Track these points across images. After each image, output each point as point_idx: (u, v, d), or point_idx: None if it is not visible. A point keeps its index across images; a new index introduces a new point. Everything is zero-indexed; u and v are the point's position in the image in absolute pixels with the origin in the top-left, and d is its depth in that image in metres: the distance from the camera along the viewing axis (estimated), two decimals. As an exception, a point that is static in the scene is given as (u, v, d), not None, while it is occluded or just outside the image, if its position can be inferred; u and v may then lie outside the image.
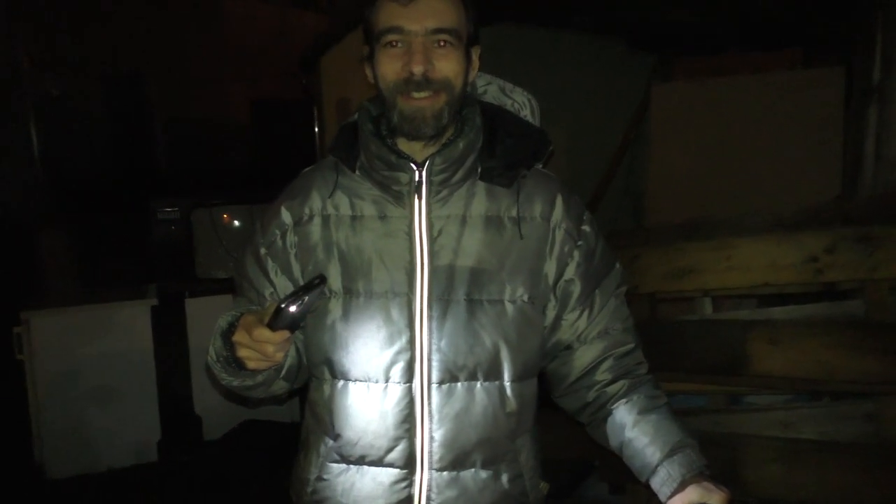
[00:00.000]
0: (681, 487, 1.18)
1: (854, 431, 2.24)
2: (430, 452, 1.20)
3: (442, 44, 1.15)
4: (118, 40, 6.93)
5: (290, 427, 3.63)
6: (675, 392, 2.39)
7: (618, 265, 1.34)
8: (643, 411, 1.26)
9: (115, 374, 3.58)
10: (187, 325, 3.70)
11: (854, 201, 2.64)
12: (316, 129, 6.64)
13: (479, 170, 1.24)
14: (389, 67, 1.16)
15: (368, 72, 1.22)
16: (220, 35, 7.95)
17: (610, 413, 1.28)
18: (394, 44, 1.16)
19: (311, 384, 1.31)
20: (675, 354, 2.31)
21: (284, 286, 1.27)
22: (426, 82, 1.14)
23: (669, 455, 1.21)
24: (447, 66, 1.16)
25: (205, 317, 3.53)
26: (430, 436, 1.20)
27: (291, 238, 1.26)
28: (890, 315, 2.18)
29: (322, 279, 1.07)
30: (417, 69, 1.14)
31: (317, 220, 1.25)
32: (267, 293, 1.27)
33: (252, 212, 3.85)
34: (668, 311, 2.69)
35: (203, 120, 7.51)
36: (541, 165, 1.31)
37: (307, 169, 1.34)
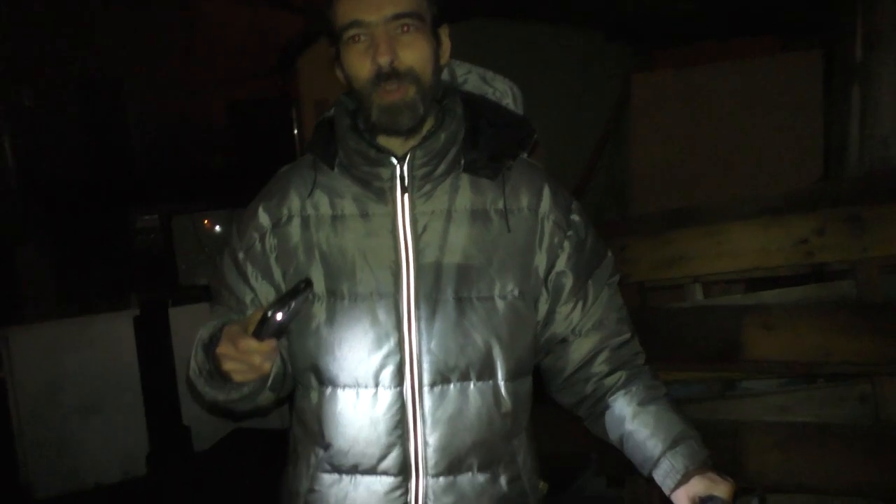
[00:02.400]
0: (685, 479, 1.15)
1: (850, 413, 2.23)
2: (425, 458, 1.16)
3: (405, 29, 1.11)
4: (92, 46, 6.83)
5: (282, 434, 3.55)
6: (670, 381, 2.36)
7: (609, 254, 1.31)
8: (643, 402, 1.23)
9: (99, 388, 3.51)
10: (171, 334, 3.64)
11: (841, 182, 2.63)
12: (295, 131, 6.58)
13: (463, 162, 1.20)
14: (357, 64, 1.12)
15: (339, 73, 1.18)
16: (195, 38, 7.87)
17: (609, 406, 1.25)
18: (356, 38, 1.12)
19: (297, 392, 1.26)
20: (668, 343, 2.29)
21: (266, 291, 1.22)
22: (395, 73, 1.11)
23: (672, 447, 1.18)
24: (413, 52, 1.12)
25: (189, 325, 3.45)
26: (424, 441, 1.16)
27: (270, 241, 1.21)
28: (881, 295, 2.17)
29: (308, 283, 1.02)
30: (383, 59, 1.10)
31: (296, 221, 1.20)
32: (248, 300, 1.23)
33: (233, 216, 3.79)
34: (658, 299, 2.67)
35: (180, 124, 7.42)
36: (525, 155, 1.27)
37: (284, 168, 1.29)
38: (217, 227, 3.88)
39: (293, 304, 1.00)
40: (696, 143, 4.69)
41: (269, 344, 1.02)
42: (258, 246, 1.22)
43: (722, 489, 1.12)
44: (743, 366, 2.26)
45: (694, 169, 4.64)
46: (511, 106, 1.28)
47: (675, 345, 2.29)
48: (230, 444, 3.60)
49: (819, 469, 2.10)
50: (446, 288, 1.16)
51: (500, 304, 1.18)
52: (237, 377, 1.07)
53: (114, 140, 7.08)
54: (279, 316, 0.99)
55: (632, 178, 5.02)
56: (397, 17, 1.11)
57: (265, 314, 0.99)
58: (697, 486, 1.13)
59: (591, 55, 5.08)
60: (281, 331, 1.02)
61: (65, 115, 6.82)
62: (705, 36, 4.95)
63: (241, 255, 1.23)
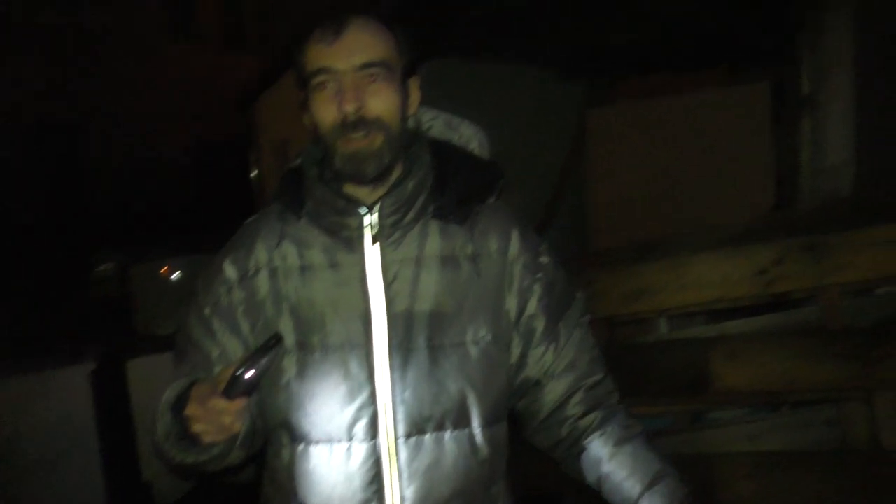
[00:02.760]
0: None
1: (817, 438, 2.27)
2: None
3: (373, 78, 1.11)
4: (47, 87, 6.72)
5: (247, 488, 3.48)
6: (640, 416, 2.36)
7: (579, 294, 1.31)
8: (619, 442, 1.22)
9: (56, 445, 3.37)
10: (129, 386, 3.53)
11: (797, 212, 2.70)
12: (253, 172, 6.52)
13: (431, 208, 1.19)
14: (323, 110, 1.12)
15: (306, 118, 1.17)
16: (154, 79, 7.80)
17: (585, 448, 1.24)
18: (323, 85, 1.11)
19: (268, 450, 1.22)
20: (637, 377, 2.29)
21: (234, 347, 1.18)
22: (361, 121, 1.10)
23: (650, 486, 1.17)
24: (380, 102, 1.11)
25: (148, 377, 3.38)
26: (401, 494, 1.13)
27: (238, 294, 1.18)
28: (841, 321, 2.22)
29: (278, 339, 1.00)
30: (349, 108, 1.09)
31: (264, 274, 1.18)
32: (215, 356, 1.19)
33: (193, 262, 3.73)
34: (625, 333, 2.68)
35: (138, 167, 7.31)
36: (494, 199, 1.27)
37: (250, 219, 1.27)
38: (175, 275, 3.80)
39: (264, 361, 0.97)
40: (652, 175, 4.77)
41: (240, 403, 0.99)
42: (225, 300, 1.19)
43: None
44: (711, 397, 2.27)
45: (652, 202, 4.71)
46: (477, 151, 1.28)
47: (644, 379, 2.30)
48: (193, 501, 3.48)
49: (791, 496, 2.12)
50: (418, 336, 1.14)
51: (472, 350, 1.17)
52: (207, 438, 1.03)
53: (70, 184, 6.94)
54: (250, 374, 0.96)
55: (592, 213, 5.08)
56: (366, 66, 1.10)
57: (235, 372, 0.96)
58: None
59: (546, 92, 5.17)
60: (251, 388, 0.99)
61: (18, 161, 6.67)
62: (657, 69, 5.07)
63: (207, 311, 1.19)
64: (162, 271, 3.77)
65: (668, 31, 4.31)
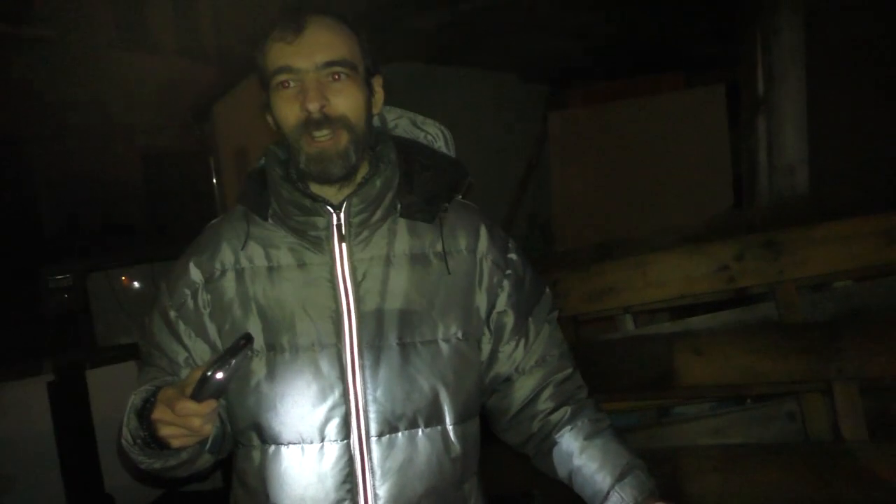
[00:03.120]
0: None
1: (779, 431, 2.31)
2: None
3: (336, 77, 1.10)
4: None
5: (213, 496, 3.42)
6: (609, 412, 2.39)
7: (547, 290, 1.32)
8: (589, 436, 1.23)
9: (12, 461, 3.27)
10: (90, 397, 3.44)
11: (755, 209, 2.75)
12: (214, 180, 6.44)
13: (399, 207, 1.19)
14: (287, 110, 1.10)
15: (269, 119, 1.16)
16: (105, 89, 7.64)
17: (556, 442, 1.24)
18: (286, 84, 1.10)
19: (238, 453, 1.20)
20: (604, 374, 2.32)
21: (201, 350, 1.17)
22: (325, 120, 1.09)
23: (620, 479, 1.18)
24: (344, 100, 1.10)
25: (109, 387, 3.30)
26: (374, 493, 1.12)
27: (204, 297, 1.16)
28: (801, 315, 2.27)
29: (248, 339, 0.98)
30: (312, 106, 1.08)
31: (230, 275, 1.16)
32: (181, 359, 1.17)
33: (153, 270, 3.65)
34: (591, 331, 2.71)
35: (92, 179, 7.15)
36: (460, 196, 1.27)
37: (214, 221, 1.25)
38: (136, 284, 3.72)
39: (233, 362, 0.95)
40: (612, 177, 4.85)
41: (209, 405, 0.97)
42: (190, 303, 1.17)
43: None
44: (677, 392, 2.31)
45: (612, 202, 4.78)
46: (443, 149, 1.28)
47: (610, 376, 2.33)
48: (158, 511, 3.41)
49: (757, 488, 2.15)
50: (389, 334, 1.14)
51: (444, 347, 1.16)
52: (175, 443, 1.01)
53: (19, 198, 6.76)
54: (219, 375, 0.94)
55: (554, 214, 5.13)
56: (328, 64, 1.09)
57: (204, 374, 0.94)
58: None
59: (508, 97, 5.21)
60: (221, 390, 0.97)
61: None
62: (616, 74, 5.15)
63: (172, 314, 1.17)
64: (122, 279, 3.68)
65: (623, 38, 4.39)
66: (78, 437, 3.41)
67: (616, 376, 2.32)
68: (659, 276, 2.39)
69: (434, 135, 1.29)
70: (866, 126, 2.59)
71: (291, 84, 1.10)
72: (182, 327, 1.17)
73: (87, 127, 7.24)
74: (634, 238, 2.59)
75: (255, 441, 1.15)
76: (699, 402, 2.46)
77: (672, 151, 4.73)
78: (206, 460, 1.16)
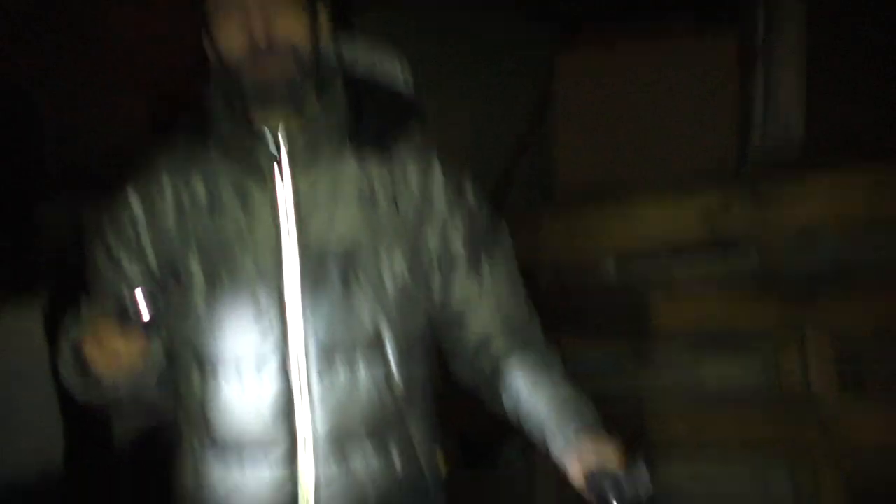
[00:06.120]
0: (577, 452, 1.10)
1: (754, 380, 2.30)
2: (315, 444, 1.13)
3: (280, 1, 1.07)
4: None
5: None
6: (584, 355, 2.39)
7: (505, 229, 1.28)
8: (539, 379, 1.20)
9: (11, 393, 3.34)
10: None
11: (745, 159, 2.70)
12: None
13: (347, 142, 1.16)
14: (229, 35, 1.07)
15: (207, 43, 1.12)
16: (108, 40, 7.52)
17: (507, 385, 1.21)
18: (227, 6, 1.07)
19: (179, 384, 1.21)
20: (581, 318, 2.32)
21: (138, 280, 1.16)
22: (270, 47, 1.06)
23: (569, 421, 1.14)
24: (290, 24, 1.07)
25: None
26: (314, 427, 1.12)
27: (143, 227, 1.16)
28: (783, 266, 2.25)
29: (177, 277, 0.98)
30: (257, 31, 1.05)
31: (170, 206, 1.16)
32: (120, 288, 1.16)
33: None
34: (572, 276, 2.69)
35: (96, 130, 7.10)
36: (415, 135, 1.24)
37: (154, 151, 1.23)
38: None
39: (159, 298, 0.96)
40: (622, 123, 4.74)
41: (138, 341, 0.97)
42: (130, 232, 1.16)
43: (611, 459, 1.09)
44: (653, 338, 2.30)
45: (620, 150, 4.69)
46: (399, 82, 1.25)
47: (587, 320, 2.33)
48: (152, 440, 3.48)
49: (727, 436, 2.17)
50: (332, 270, 1.12)
51: (388, 285, 1.15)
52: (107, 377, 1.02)
53: (19, 142, 6.74)
54: (144, 310, 0.95)
55: (558, 158, 5.03)
56: None
57: (131, 306, 0.95)
58: (589, 458, 1.12)
59: (512, 37, 5.06)
60: (149, 324, 0.97)
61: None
62: (626, 17, 5.00)
63: (112, 242, 1.18)
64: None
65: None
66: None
67: (593, 320, 2.33)
68: (643, 221, 2.37)
69: (390, 66, 1.25)
70: (865, 78, 2.51)
71: (233, 7, 1.06)
72: (123, 254, 1.17)
73: (90, 77, 7.18)
74: (620, 183, 2.55)
75: (196, 374, 1.15)
76: (675, 349, 2.45)
77: (680, 99, 4.61)
78: (150, 395, 1.18)
